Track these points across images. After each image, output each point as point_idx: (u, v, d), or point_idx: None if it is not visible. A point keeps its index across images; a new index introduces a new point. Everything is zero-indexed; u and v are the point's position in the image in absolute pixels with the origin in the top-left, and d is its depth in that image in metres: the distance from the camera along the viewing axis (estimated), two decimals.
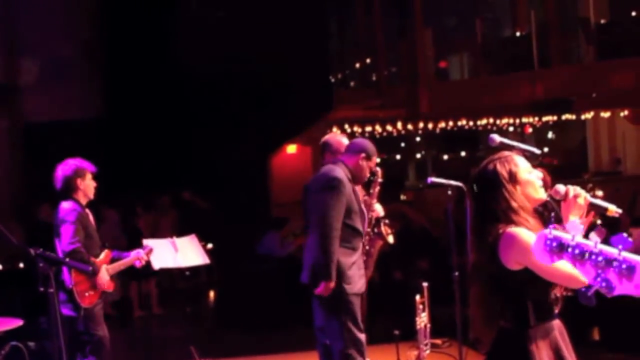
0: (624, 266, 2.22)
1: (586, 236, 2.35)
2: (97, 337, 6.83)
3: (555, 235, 2.35)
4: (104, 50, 15.52)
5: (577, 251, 2.30)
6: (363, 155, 6.77)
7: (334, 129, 14.79)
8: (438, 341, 8.60)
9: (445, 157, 21.34)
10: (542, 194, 3.70)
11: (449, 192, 6.86)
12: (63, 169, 6.78)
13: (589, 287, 2.32)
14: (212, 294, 13.49)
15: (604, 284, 2.24)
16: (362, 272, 6.71)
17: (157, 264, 7.92)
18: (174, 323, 11.23)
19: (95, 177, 6.89)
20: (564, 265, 2.91)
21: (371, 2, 17.87)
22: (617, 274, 2.23)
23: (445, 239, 9.75)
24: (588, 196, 3.60)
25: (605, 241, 2.29)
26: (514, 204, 3.63)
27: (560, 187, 3.64)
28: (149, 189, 13.45)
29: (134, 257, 7.06)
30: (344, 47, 20.04)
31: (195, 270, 12.13)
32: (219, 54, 14.54)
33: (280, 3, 14.81)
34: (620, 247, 2.24)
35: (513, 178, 3.69)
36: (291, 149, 16.79)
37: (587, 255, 2.27)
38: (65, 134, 13.61)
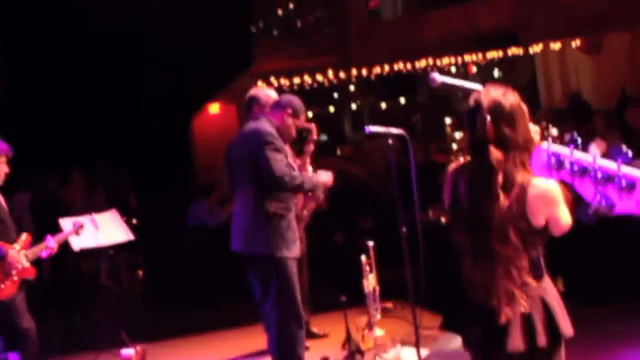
0: (623, 182, 2.26)
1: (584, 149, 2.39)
2: (23, 329, 6.80)
3: (554, 150, 2.39)
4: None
5: (575, 167, 2.34)
6: (289, 111, 6.80)
7: (259, 84, 14.74)
8: (389, 305, 8.71)
9: (384, 105, 21.38)
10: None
11: (390, 142, 6.89)
12: None
13: (588, 205, 2.36)
14: (139, 273, 13.42)
15: (603, 202, 2.28)
16: (297, 235, 6.77)
17: (76, 245, 7.86)
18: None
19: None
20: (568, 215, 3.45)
21: None
22: (617, 190, 2.27)
23: (389, 194, 9.84)
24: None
25: (605, 154, 2.33)
26: (533, 137, 3.67)
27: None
28: (65, 164, 13.25)
29: (43, 246, 6.99)
30: None
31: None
32: (127, 9, 14.32)
33: None
34: (619, 161, 2.29)
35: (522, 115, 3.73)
36: (214, 108, 16.68)
37: (586, 171, 2.30)
38: None
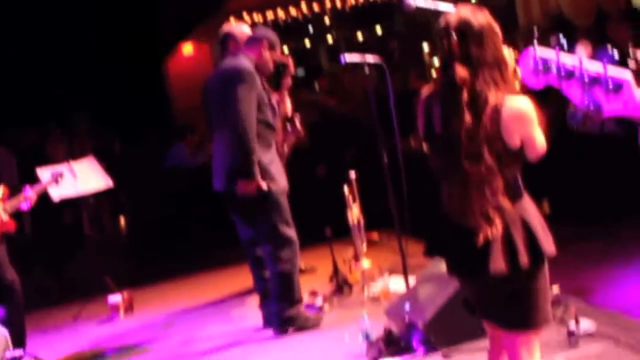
0: (610, 83, 2.25)
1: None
2: (7, 282, 6.78)
3: (541, 54, 2.37)
4: None
5: (562, 71, 2.32)
6: (265, 44, 6.74)
7: (232, 21, 14.59)
8: (374, 236, 8.73)
9: (360, 36, 21.22)
10: None
11: (367, 72, 6.84)
12: None
13: (577, 109, 2.34)
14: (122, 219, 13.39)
15: (591, 105, 2.27)
16: (281, 168, 6.76)
17: (56, 195, 7.80)
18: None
19: None
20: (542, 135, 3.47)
21: None
22: (604, 92, 2.26)
23: (369, 124, 9.80)
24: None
25: (591, 56, 2.31)
26: (504, 56, 3.62)
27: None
28: (44, 118, 13.13)
29: (21, 197, 6.94)
30: None
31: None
32: None
33: None
34: (605, 62, 2.26)
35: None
36: (187, 49, 16.53)
37: (572, 74, 2.28)
38: None
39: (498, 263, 3.58)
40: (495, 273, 3.59)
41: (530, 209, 3.69)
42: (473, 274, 3.75)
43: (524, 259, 3.59)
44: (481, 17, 3.65)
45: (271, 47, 6.77)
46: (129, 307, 8.58)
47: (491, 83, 3.54)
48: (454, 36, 3.58)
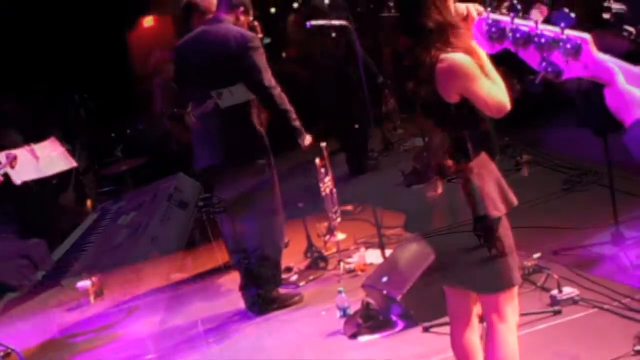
0: (569, 46, 2.22)
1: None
2: None
3: (494, 19, 2.33)
4: None
5: (518, 35, 2.29)
6: (242, 9, 6.63)
7: None
8: (349, 207, 8.65)
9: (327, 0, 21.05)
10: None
11: (334, 35, 6.78)
12: None
13: (536, 73, 2.31)
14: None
15: (550, 69, 2.24)
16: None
17: (18, 178, 7.68)
18: None
19: None
20: (496, 92, 3.57)
21: None
22: (562, 54, 2.23)
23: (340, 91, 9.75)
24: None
25: (548, 20, 2.28)
26: (450, 19, 3.66)
27: (460, 6, 3.65)
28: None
29: None
30: None
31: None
32: None
33: None
34: (562, 25, 2.22)
35: None
36: (148, 22, 16.33)
37: (529, 38, 2.25)
38: None
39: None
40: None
41: (481, 171, 3.69)
42: None
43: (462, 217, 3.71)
44: None
45: (247, 12, 6.67)
46: (99, 292, 8.47)
47: (432, 48, 3.62)
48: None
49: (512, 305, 3.88)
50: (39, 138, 8.61)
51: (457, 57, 3.57)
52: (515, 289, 3.90)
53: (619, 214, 6.06)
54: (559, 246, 6.19)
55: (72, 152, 8.92)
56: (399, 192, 7.60)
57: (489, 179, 3.74)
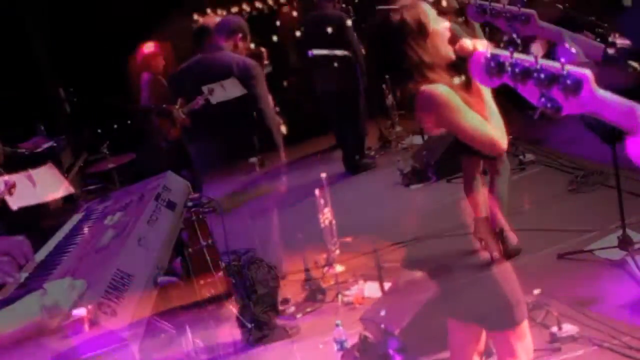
0: (569, 81, 2.19)
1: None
2: None
3: (493, 53, 2.31)
4: None
5: (517, 70, 2.27)
6: (240, 35, 6.67)
7: (195, 17, 14.49)
8: (348, 239, 8.60)
9: (330, 30, 21.14)
10: (448, 50, 3.65)
11: (336, 65, 6.80)
12: None
13: (535, 109, 2.29)
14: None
15: (549, 104, 2.21)
16: None
17: (15, 204, 7.65)
18: None
19: None
20: (486, 128, 3.41)
21: None
22: (562, 90, 2.20)
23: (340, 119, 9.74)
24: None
25: (547, 55, 2.25)
26: (426, 58, 3.61)
27: (467, 43, 3.60)
28: None
29: None
30: None
31: None
32: None
33: None
34: (563, 60, 2.21)
35: (422, 29, 3.63)
36: (149, 48, 16.36)
37: (528, 73, 2.23)
38: None
39: None
40: None
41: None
42: None
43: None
44: (411, 13, 3.63)
45: (245, 38, 6.70)
46: (95, 321, 8.40)
47: (418, 78, 3.58)
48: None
49: (522, 343, 3.85)
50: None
51: (435, 87, 3.51)
52: (526, 327, 3.86)
53: (626, 216, 6.02)
54: (563, 250, 6.18)
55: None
56: (398, 194, 7.57)
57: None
